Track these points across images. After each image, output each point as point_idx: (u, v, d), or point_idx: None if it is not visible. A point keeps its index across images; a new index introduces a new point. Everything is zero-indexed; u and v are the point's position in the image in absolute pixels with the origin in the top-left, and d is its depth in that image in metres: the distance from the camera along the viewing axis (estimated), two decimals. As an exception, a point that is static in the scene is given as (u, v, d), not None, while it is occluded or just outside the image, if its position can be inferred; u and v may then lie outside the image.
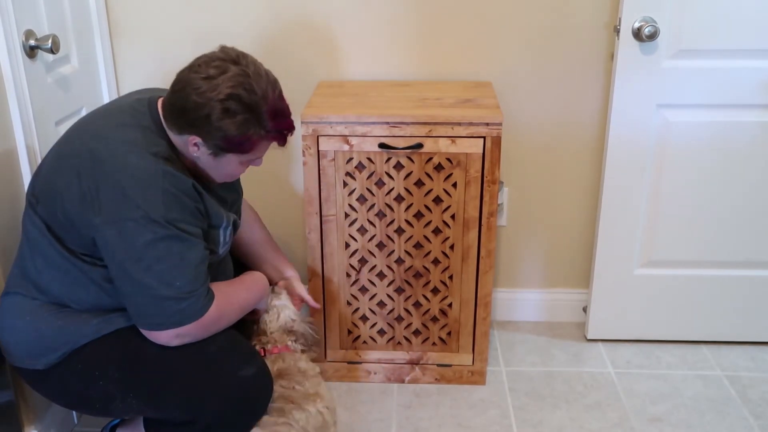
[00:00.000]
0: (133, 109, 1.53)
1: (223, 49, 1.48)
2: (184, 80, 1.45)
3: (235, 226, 1.69)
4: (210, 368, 1.53)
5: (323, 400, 1.67)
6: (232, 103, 1.42)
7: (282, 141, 1.54)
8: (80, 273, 1.51)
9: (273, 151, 1.99)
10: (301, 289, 1.91)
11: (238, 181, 1.76)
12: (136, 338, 1.51)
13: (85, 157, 1.45)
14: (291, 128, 1.54)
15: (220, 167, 1.55)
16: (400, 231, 2.02)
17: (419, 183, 1.96)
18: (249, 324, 1.80)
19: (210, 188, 1.59)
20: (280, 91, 1.52)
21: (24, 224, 1.56)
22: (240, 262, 1.87)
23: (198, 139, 1.47)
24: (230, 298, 1.60)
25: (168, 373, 1.52)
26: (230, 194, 1.70)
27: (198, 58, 1.47)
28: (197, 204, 1.50)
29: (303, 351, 1.80)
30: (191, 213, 1.48)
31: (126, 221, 1.41)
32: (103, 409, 1.58)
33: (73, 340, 1.52)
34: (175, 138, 1.51)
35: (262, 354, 1.75)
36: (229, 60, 1.45)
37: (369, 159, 1.94)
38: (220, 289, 1.58)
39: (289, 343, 1.78)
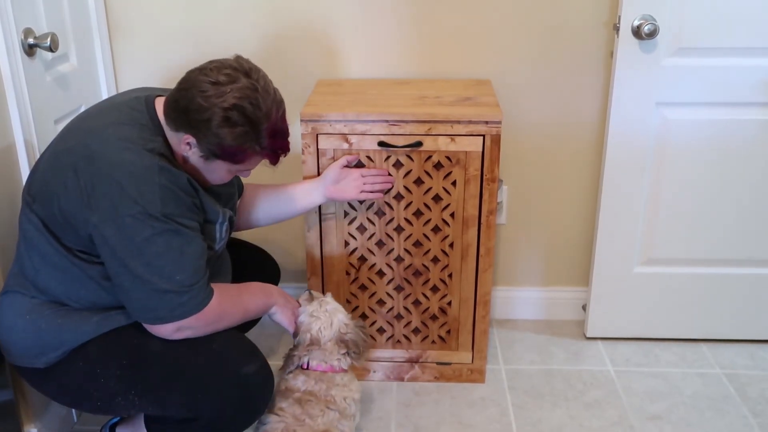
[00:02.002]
0: (130, 107, 1.54)
1: (238, 59, 1.49)
2: (192, 80, 1.45)
3: (231, 223, 1.69)
4: (212, 365, 1.53)
5: None
6: (235, 113, 1.43)
7: (274, 160, 1.55)
8: (78, 271, 1.51)
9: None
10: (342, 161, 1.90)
11: (235, 177, 1.76)
12: (137, 335, 1.52)
13: (80, 154, 1.45)
14: (286, 149, 1.55)
15: (207, 170, 1.55)
16: (399, 229, 2.02)
17: (419, 181, 1.96)
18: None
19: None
20: (284, 112, 1.53)
21: (21, 223, 1.56)
22: (240, 261, 1.87)
23: (192, 140, 1.48)
24: (233, 299, 1.60)
25: (170, 370, 1.52)
26: (225, 189, 1.70)
27: (210, 62, 1.48)
28: (193, 199, 1.51)
29: (352, 358, 1.75)
30: (188, 207, 1.49)
31: (124, 217, 1.41)
32: (105, 406, 1.58)
33: (74, 339, 1.52)
34: (171, 134, 1.51)
35: (305, 367, 1.71)
36: (241, 71, 1.45)
37: (368, 157, 1.94)
38: (223, 288, 1.59)
39: (335, 362, 1.73)
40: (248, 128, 1.45)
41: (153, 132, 1.50)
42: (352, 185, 1.90)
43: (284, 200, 1.90)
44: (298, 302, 1.79)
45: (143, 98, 1.55)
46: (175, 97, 1.48)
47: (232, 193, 1.75)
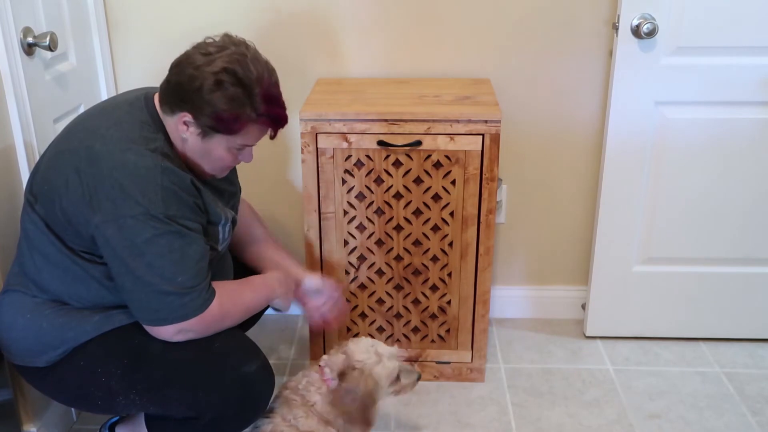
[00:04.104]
0: (130, 105, 1.54)
1: (227, 34, 1.50)
2: (183, 56, 1.48)
3: (234, 223, 1.70)
4: (213, 364, 1.53)
5: None
6: (226, 75, 1.43)
7: (273, 129, 1.53)
8: (80, 270, 1.51)
9: (272, 147, 1.99)
10: (322, 285, 1.82)
11: (235, 174, 1.76)
12: (138, 334, 1.52)
13: (82, 155, 1.45)
14: (283, 119, 1.54)
15: (208, 152, 1.53)
16: (399, 228, 2.02)
17: (418, 180, 1.96)
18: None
19: (207, 182, 1.59)
20: (277, 81, 1.52)
21: (23, 223, 1.56)
22: (242, 261, 1.87)
23: (188, 117, 1.47)
24: (235, 298, 1.60)
25: (171, 369, 1.52)
26: (228, 186, 1.70)
27: (202, 40, 1.50)
28: (196, 200, 1.50)
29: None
30: (190, 209, 1.49)
31: (126, 218, 1.41)
32: (106, 405, 1.58)
33: (75, 337, 1.52)
34: (169, 122, 1.51)
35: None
36: (230, 42, 1.48)
37: (368, 156, 1.94)
38: (225, 287, 1.58)
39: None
40: (240, 90, 1.44)
41: (154, 129, 1.50)
42: (316, 304, 1.81)
43: (267, 267, 1.81)
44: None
45: (143, 96, 1.56)
46: (167, 78, 1.49)
47: (233, 192, 1.75)
